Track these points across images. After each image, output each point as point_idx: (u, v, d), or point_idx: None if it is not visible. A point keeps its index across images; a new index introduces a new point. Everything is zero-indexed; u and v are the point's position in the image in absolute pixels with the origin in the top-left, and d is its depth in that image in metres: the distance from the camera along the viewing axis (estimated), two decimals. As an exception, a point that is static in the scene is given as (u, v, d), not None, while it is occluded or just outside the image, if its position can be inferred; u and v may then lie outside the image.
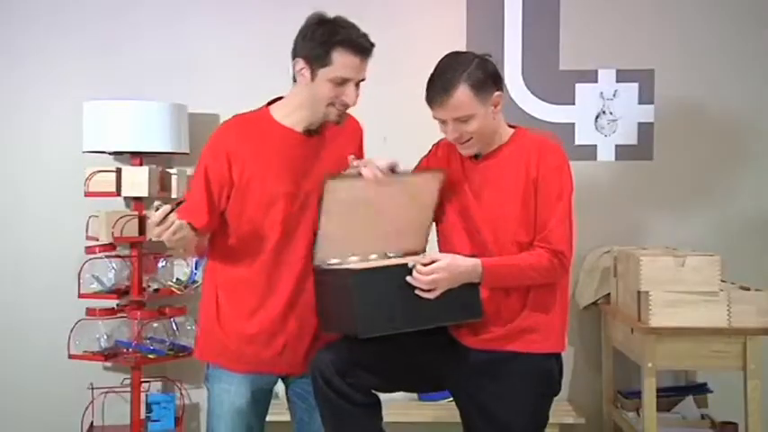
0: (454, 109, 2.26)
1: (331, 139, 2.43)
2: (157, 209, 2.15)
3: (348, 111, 2.40)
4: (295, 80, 2.39)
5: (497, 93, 2.31)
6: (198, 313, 3.63)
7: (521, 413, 2.35)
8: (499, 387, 2.33)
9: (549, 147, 2.36)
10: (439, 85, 2.26)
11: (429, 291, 2.23)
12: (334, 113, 2.35)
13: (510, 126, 2.41)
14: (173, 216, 2.16)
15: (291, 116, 2.40)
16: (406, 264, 2.23)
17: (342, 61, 2.29)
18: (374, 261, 2.38)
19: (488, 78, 2.29)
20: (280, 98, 2.46)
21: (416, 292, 2.23)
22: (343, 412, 2.31)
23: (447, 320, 2.32)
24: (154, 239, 2.22)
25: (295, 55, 2.36)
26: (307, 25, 2.35)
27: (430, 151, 2.52)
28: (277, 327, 2.42)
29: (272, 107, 2.45)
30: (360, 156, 2.50)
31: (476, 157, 2.37)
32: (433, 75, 2.30)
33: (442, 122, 2.31)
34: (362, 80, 2.35)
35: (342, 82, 2.31)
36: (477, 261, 2.26)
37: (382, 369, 2.35)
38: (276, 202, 2.36)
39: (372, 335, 2.21)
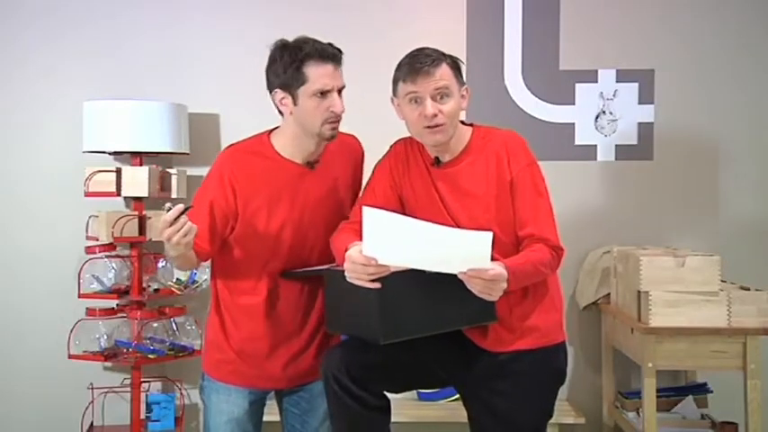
0: (439, 78, 2.24)
1: (327, 165, 2.44)
2: (169, 209, 2.12)
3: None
4: (281, 113, 2.38)
5: (465, 86, 2.34)
6: (197, 314, 3.65)
7: (531, 409, 2.35)
8: (509, 386, 2.33)
9: (517, 145, 2.33)
10: (423, 59, 2.24)
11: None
12: (328, 129, 2.34)
13: (464, 124, 2.38)
14: (184, 217, 2.13)
15: (288, 148, 2.40)
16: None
17: (316, 73, 2.28)
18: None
19: (460, 67, 2.32)
20: (278, 127, 2.45)
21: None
22: (355, 415, 2.30)
23: (464, 324, 2.29)
24: (164, 240, 2.15)
25: (271, 88, 2.36)
26: (271, 56, 2.35)
27: (388, 152, 2.46)
28: (281, 349, 2.46)
29: (272, 136, 2.44)
30: (358, 177, 2.52)
31: (437, 162, 2.36)
32: (410, 55, 2.27)
33: (418, 101, 2.25)
34: (343, 87, 2.34)
35: (323, 93, 2.30)
36: (501, 266, 2.11)
37: (395, 372, 2.35)
38: (281, 233, 2.39)
39: (394, 341, 2.15)
